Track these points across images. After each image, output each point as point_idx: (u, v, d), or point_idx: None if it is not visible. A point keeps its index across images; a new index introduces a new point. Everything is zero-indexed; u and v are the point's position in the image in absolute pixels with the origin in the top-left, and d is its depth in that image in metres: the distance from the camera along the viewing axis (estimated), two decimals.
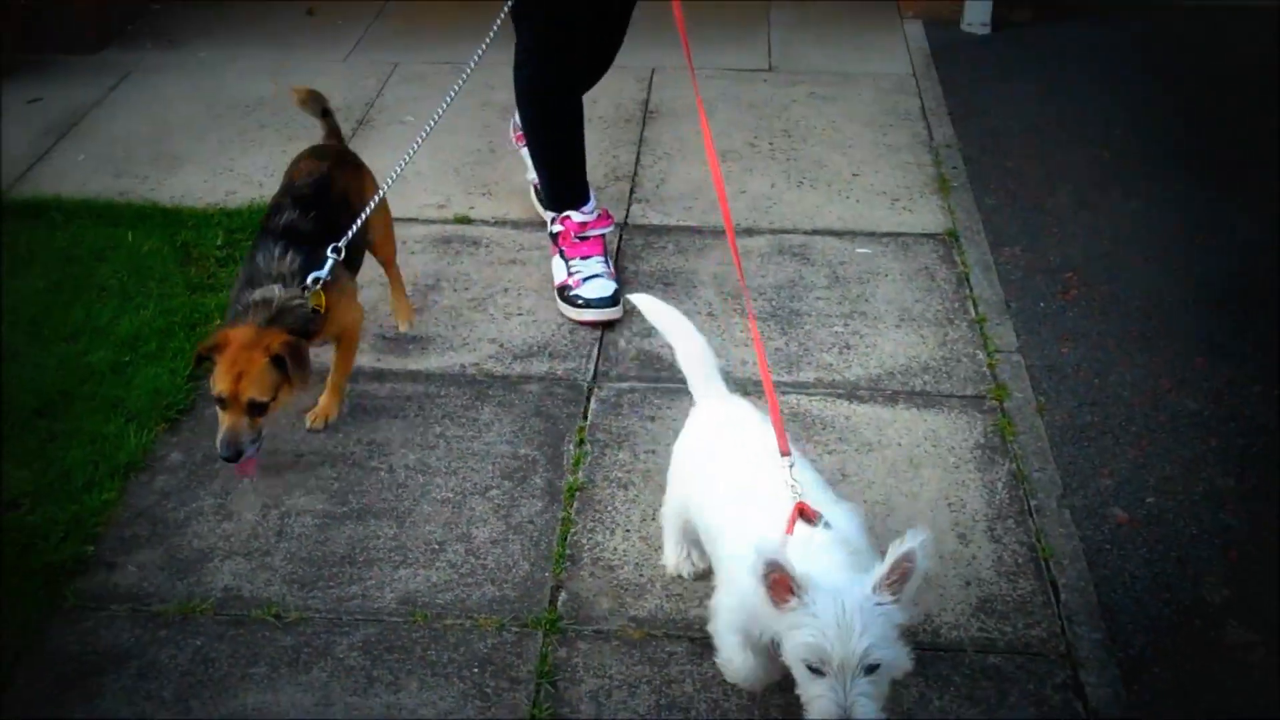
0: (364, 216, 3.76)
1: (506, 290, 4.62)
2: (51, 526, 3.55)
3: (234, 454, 3.43)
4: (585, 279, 4.48)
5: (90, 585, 3.41)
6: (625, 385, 4.14)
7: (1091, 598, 3.37)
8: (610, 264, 4.59)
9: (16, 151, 5.57)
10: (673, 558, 3.39)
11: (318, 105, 4.18)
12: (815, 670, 2.51)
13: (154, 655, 3.21)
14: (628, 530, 3.58)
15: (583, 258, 4.53)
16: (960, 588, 3.40)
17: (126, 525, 3.59)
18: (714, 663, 3.08)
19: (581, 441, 3.90)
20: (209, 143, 5.67)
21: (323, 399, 3.93)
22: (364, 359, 4.13)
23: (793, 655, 2.54)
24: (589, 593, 3.38)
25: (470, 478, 3.76)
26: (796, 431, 3.86)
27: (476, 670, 3.17)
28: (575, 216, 4.54)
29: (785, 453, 2.85)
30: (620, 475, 3.77)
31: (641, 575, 3.44)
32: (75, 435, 3.88)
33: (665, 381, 4.13)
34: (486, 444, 3.89)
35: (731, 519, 2.88)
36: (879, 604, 2.49)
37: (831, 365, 4.23)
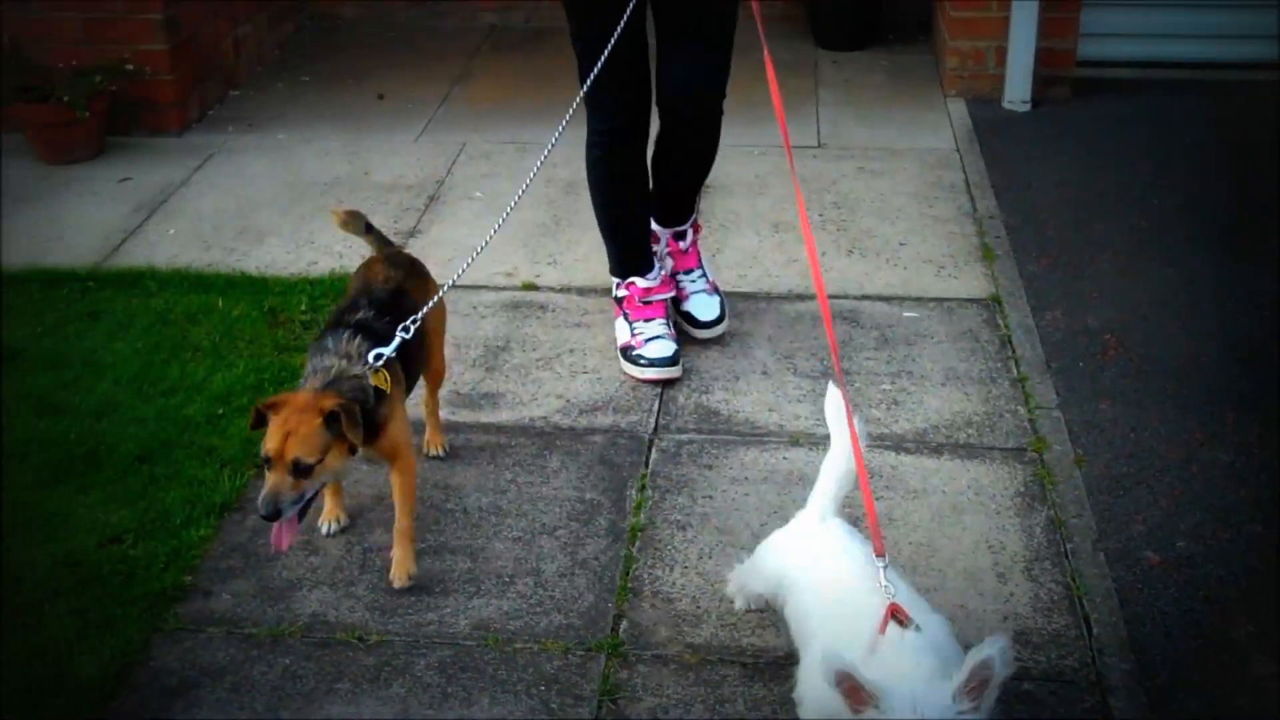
0: (434, 300, 3.93)
1: (572, 351, 4.91)
2: (153, 559, 3.84)
3: (273, 512, 3.37)
4: (648, 340, 4.72)
5: (189, 610, 3.69)
6: (684, 437, 4.41)
7: (1122, 632, 3.58)
8: (671, 326, 4.86)
9: (109, 226, 5.96)
10: (733, 585, 3.62)
11: (359, 223, 4.19)
12: None
13: (247, 672, 3.48)
14: (685, 567, 3.83)
15: (645, 320, 4.77)
16: (997, 621, 3.63)
17: (221, 558, 3.88)
18: (763, 684, 3.31)
19: (643, 487, 4.16)
20: (290, 217, 6.03)
21: (396, 553, 3.79)
22: (440, 412, 4.41)
23: None
24: (649, 622, 3.63)
25: (539, 519, 4.03)
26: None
27: (543, 688, 3.42)
28: (640, 283, 4.79)
29: (880, 554, 2.89)
30: (679, 518, 4.03)
31: (698, 607, 3.69)
32: (174, 479, 4.18)
33: (722, 434, 4.40)
34: (554, 489, 4.15)
35: (824, 619, 2.96)
36: (960, 712, 2.48)
37: (879, 419, 4.48)
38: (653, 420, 4.50)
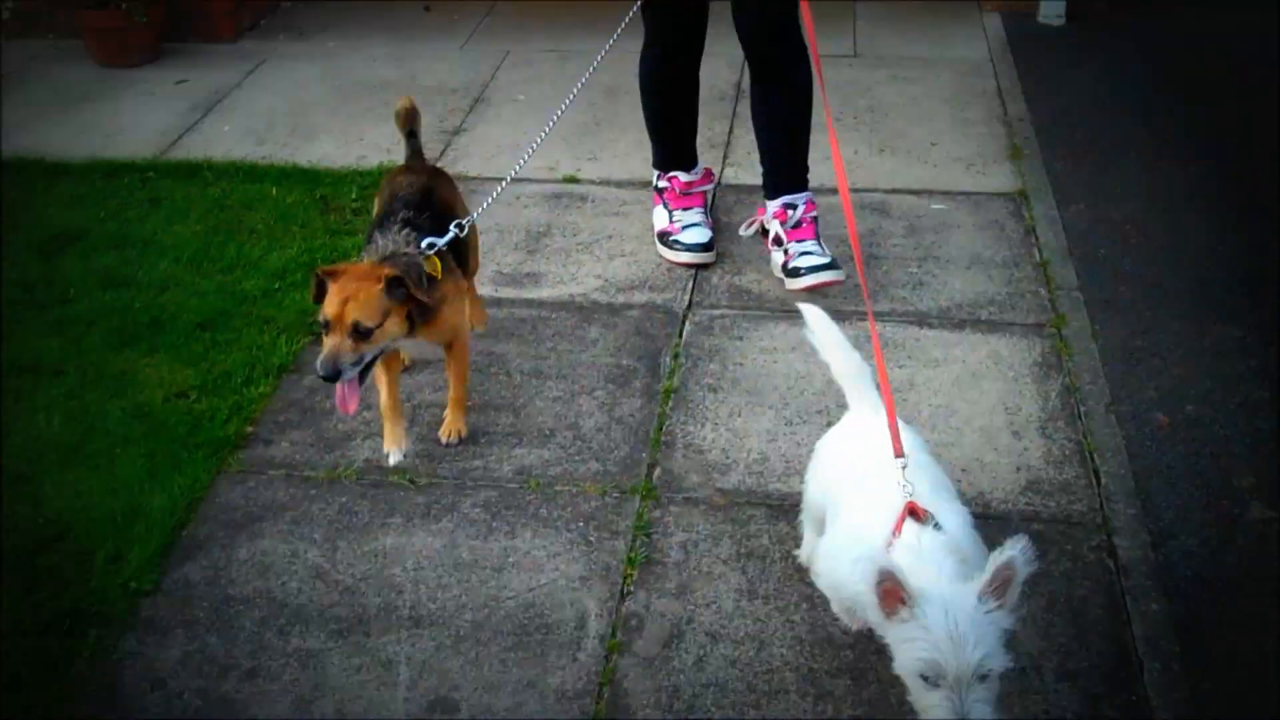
0: (490, 200, 4.15)
1: (610, 237, 5.13)
2: (216, 411, 4.10)
3: (332, 373, 3.43)
4: (685, 227, 4.95)
5: (251, 456, 3.95)
6: (717, 312, 4.63)
7: (1129, 482, 3.79)
8: (708, 216, 5.07)
9: (167, 123, 6.21)
10: (806, 549, 3.46)
11: (412, 122, 4.22)
12: (928, 680, 2.53)
13: (306, 508, 3.74)
14: (716, 423, 4.06)
15: (684, 209, 4.99)
16: (1011, 472, 3.84)
17: (280, 412, 4.13)
18: (788, 523, 3.55)
19: (676, 355, 4.38)
20: (340, 117, 6.26)
21: (448, 416, 3.98)
22: (484, 290, 4.64)
23: (907, 668, 2.57)
24: (681, 470, 3.87)
25: (578, 381, 4.26)
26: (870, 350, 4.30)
27: (582, 524, 3.66)
28: (682, 177, 4.99)
29: (899, 454, 2.89)
30: (710, 381, 4.25)
31: (727, 457, 3.91)
32: (234, 344, 4.43)
33: (753, 309, 4.61)
34: (593, 356, 4.38)
35: (844, 511, 2.98)
36: (987, 612, 2.51)
37: (905, 299, 4.69)
38: (686, 297, 4.72)
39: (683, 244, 4.93)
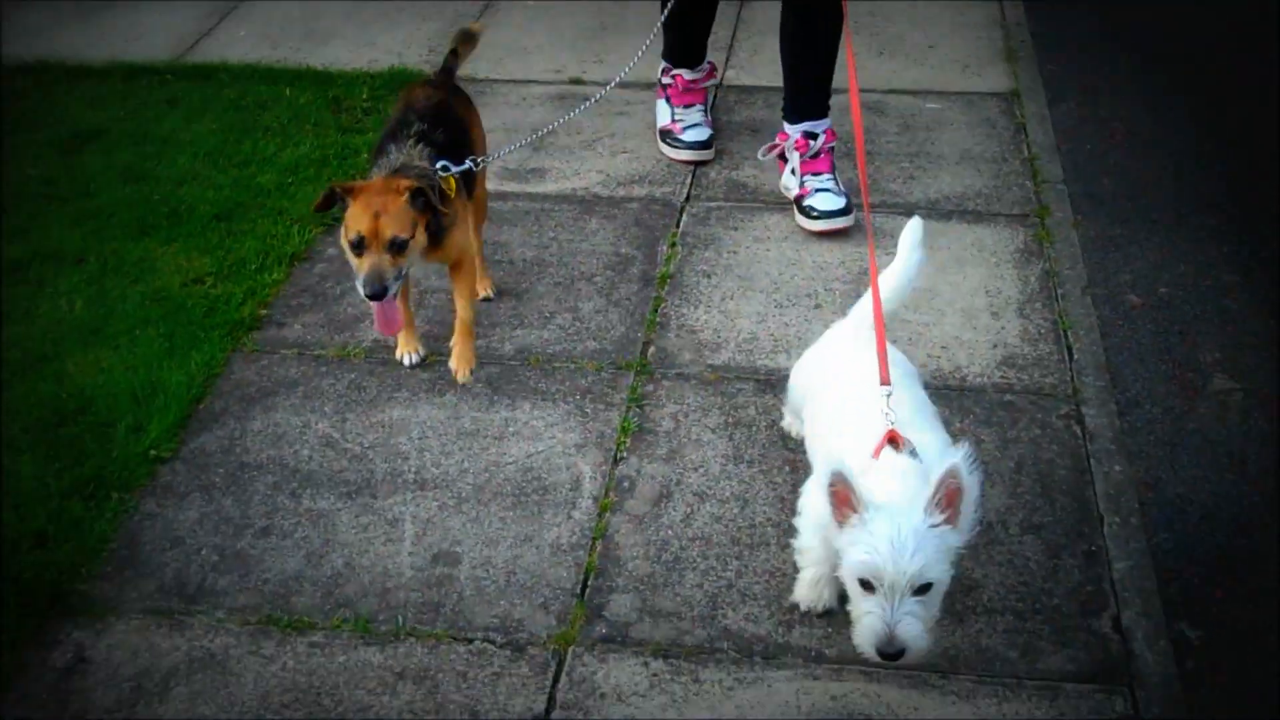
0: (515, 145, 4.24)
1: (613, 135, 5.30)
2: (231, 296, 4.30)
3: (380, 289, 3.44)
4: (686, 126, 5.08)
5: (264, 337, 4.16)
6: (713, 204, 4.81)
7: (1100, 357, 3.97)
8: (708, 115, 5.19)
9: (184, 28, 6.36)
10: (788, 419, 3.67)
11: (464, 45, 4.23)
12: (867, 587, 2.58)
13: (317, 384, 3.95)
14: (709, 306, 4.25)
15: (685, 106, 5.10)
16: (988, 349, 4.03)
17: (293, 297, 4.34)
18: (774, 395, 3.75)
19: (673, 243, 4.57)
20: (353, 23, 6.41)
21: (457, 345, 3.95)
22: (489, 184, 4.81)
23: (848, 571, 2.61)
24: (674, 348, 4.07)
25: (578, 268, 4.45)
26: (861, 240, 4.48)
27: (578, 397, 3.87)
28: (687, 74, 5.06)
29: (885, 382, 2.89)
30: (705, 268, 4.44)
31: (719, 337, 4.11)
32: (249, 234, 4.63)
33: (748, 202, 4.79)
34: (592, 245, 4.57)
35: (830, 439, 2.98)
36: (933, 525, 2.53)
37: (896, 191, 4.86)
38: (685, 191, 4.90)
39: (683, 142, 5.07)
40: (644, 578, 3.26)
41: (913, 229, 3.27)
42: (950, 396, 3.78)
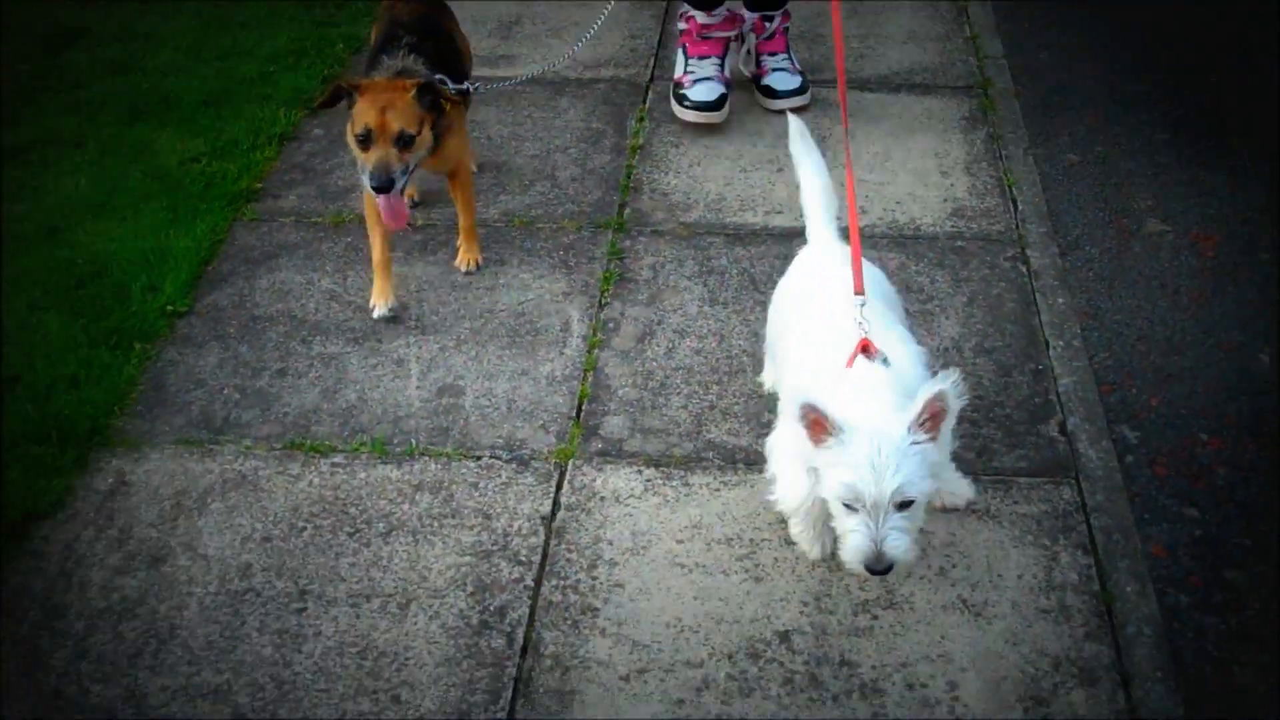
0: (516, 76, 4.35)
1: (577, 24, 5.56)
2: (226, 172, 4.56)
3: (386, 182, 3.50)
4: (696, 80, 4.72)
5: (262, 207, 4.42)
6: None
7: (1043, 207, 4.32)
8: (724, 69, 4.76)
9: None
10: (768, 377, 3.56)
11: None
12: (850, 507, 2.58)
13: (316, 246, 4.23)
14: (678, 172, 4.56)
15: (700, 57, 4.74)
16: (939, 203, 4.36)
17: (285, 173, 4.60)
18: (743, 247, 4.07)
19: (641, 118, 4.87)
20: None
21: (462, 245, 4.06)
22: None
23: (829, 493, 2.61)
24: (647, 208, 4.37)
25: (552, 142, 4.74)
26: (818, 113, 4.79)
27: (561, 252, 4.17)
28: (700, 17, 4.71)
29: (859, 292, 2.85)
30: (671, 139, 4.74)
31: (688, 198, 4.42)
32: (237, 117, 4.88)
33: None
34: (565, 121, 4.86)
35: (799, 353, 2.96)
36: (914, 443, 2.52)
37: (849, 69, 5.16)
38: (649, 72, 5.19)
39: (690, 100, 4.71)
40: (633, 402, 3.58)
41: (796, 131, 3.30)
42: (906, 244, 4.12)
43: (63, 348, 3.73)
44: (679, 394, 3.59)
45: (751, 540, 3.15)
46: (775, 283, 3.76)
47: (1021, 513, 3.22)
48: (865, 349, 2.74)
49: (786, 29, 4.87)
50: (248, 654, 2.92)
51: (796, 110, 4.25)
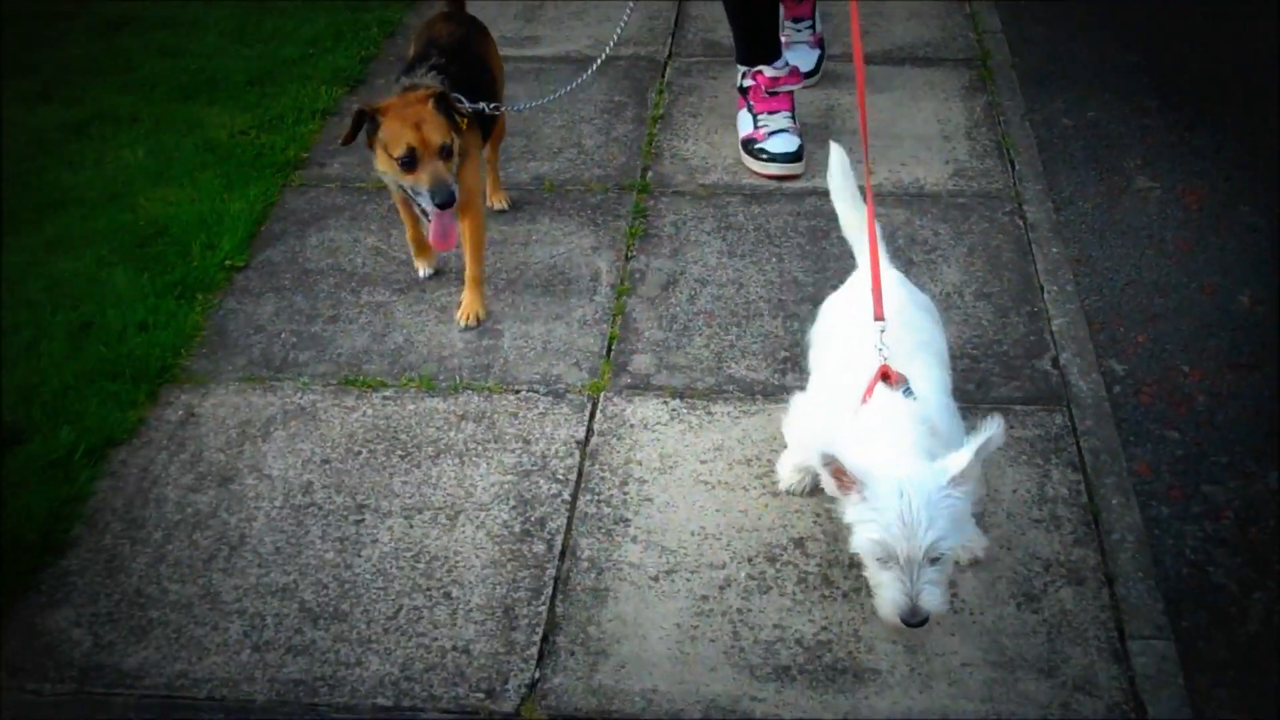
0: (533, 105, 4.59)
1: (598, 5, 5.88)
2: (274, 143, 4.88)
3: (449, 195, 3.51)
4: (771, 133, 4.66)
5: (309, 174, 4.75)
6: (694, 60, 5.42)
7: (1038, 167, 4.62)
8: (796, 120, 4.72)
9: None
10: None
11: None
12: (881, 560, 2.52)
13: (361, 209, 4.55)
14: (697, 139, 4.87)
15: (770, 112, 4.67)
16: (941, 164, 4.67)
17: (329, 144, 4.92)
18: (759, 205, 4.38)
19: (661, 91, 5.18)
20: None
21: (465, 297, 3.98)
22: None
23: (860, 548, 2.56)
24: (669, 172, 4.69)
25: (578, 113, 5.06)
26: (828, 88, 5.10)
27: (590, 212, 4.49)
28: (767, 71, 4.63)
29: (879, 317, 2.80)
30: (690, 110, 5.06)
31: (707, 163, 4.73)
32: (281, 94, 5.20)
33: (725, 57, 5.38)
34: (589, 95, 5.17)
35: (822, 370, 3.02)
36: (945, 496, 2.44)
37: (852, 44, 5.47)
38: (667, 50, 5.51)
39: (769, 153, 4.65)
40: (659, 342, 3.89)
41: (837, 164, 3.24)
42: (911, 201, 4.43)
43: (131, 298, 4.04)
44: (701, 335, 3.91)
45: (769, 461, 3.45)
46: (789, 238, 4.11)
47: (1017, 436, 3.51)
48: (885, 376, 2.69)
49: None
50: (312, 558, 3.23)
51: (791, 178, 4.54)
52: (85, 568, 3.23)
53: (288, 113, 5.03)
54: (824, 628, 3.00)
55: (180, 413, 3.67)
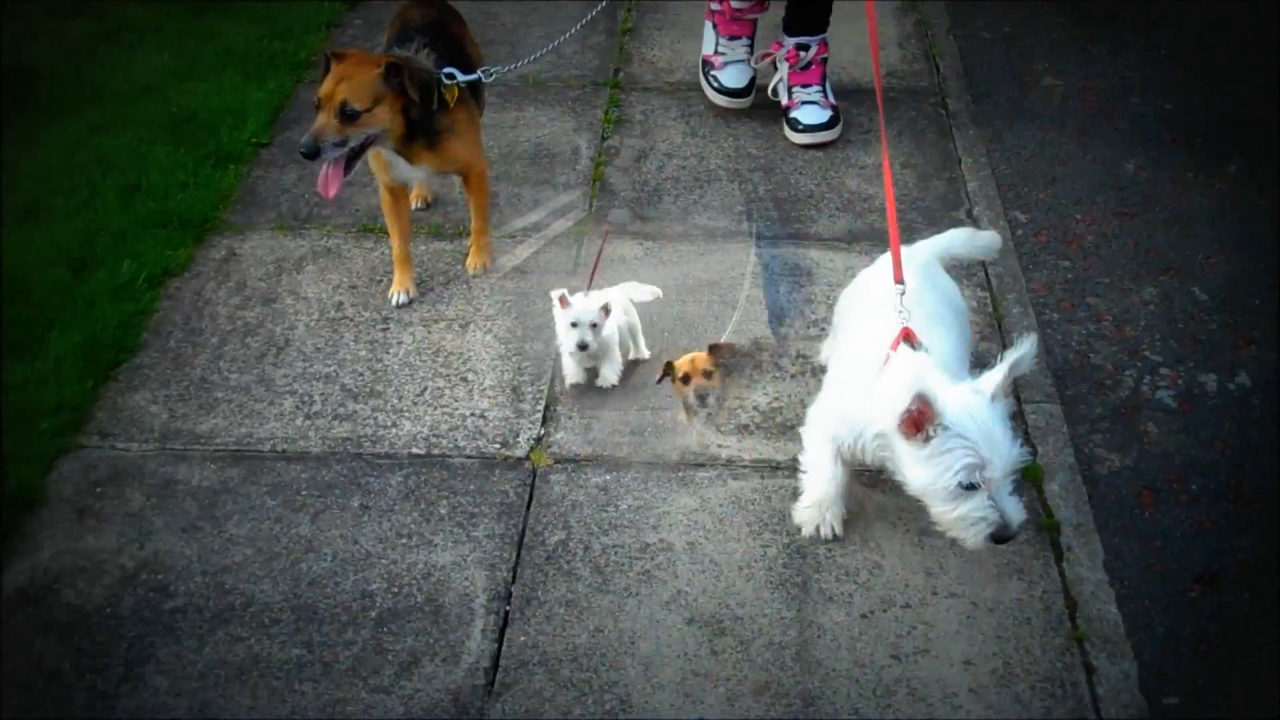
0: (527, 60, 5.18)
1: None
2: (287, 48, 5.50)
3: (311, 150, 3.46)
4: (727, 63, 4.96)
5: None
6: None
7: (959, 69, 5.31)
8: (753, 51, 4.96)
9: None
10: (827, 348, 3.68)
11: None
12: (967, 489, 2.54)
13: None
14: (663, 47, 5.54)
15: (731, 37, 4.93)
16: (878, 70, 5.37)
17: (334, 48, 5.56)
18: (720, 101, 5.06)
19: (629, 10, 5.84)
20: None
21: (472, 248, 4.15)
22: None
23: (942, 481, 2.56)
24: (638, 72, 5.36)
25: (555, 26, 5.65)
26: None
27: (569, 103, 5.13)
28: (734, 2, 4.86)
29: (899, 281, 2.90)
30: (656, 24, 5.72)
31: (672, 65, 5.40)
32: (289, 11, 5.82)
33: None
34: (566, 12, 5.80)
35: (852, 336, 3.12)
36: (999, 409, 2.55)
37: None
38: None
39: (718, 83, 4.95)
40: (633, 200, 4.57)
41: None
42: (851, 95, 5.11)
43: (171, 166, 4.66)
44: (669, 195, 4.58)
45: (729, 285, 4.13)
46: (744, 123, 4.77)
47: None
48: (908, 337, 2.78)
49: (824, 59, 4.83)
50: (347, 355, 3.88)
51: (823, 145, 4.76)
52: (155, 363, 3.86)
53: (296, 24, 5.65)
54: (775, 397, 3.67)
55: (223, 252, 4.30)
